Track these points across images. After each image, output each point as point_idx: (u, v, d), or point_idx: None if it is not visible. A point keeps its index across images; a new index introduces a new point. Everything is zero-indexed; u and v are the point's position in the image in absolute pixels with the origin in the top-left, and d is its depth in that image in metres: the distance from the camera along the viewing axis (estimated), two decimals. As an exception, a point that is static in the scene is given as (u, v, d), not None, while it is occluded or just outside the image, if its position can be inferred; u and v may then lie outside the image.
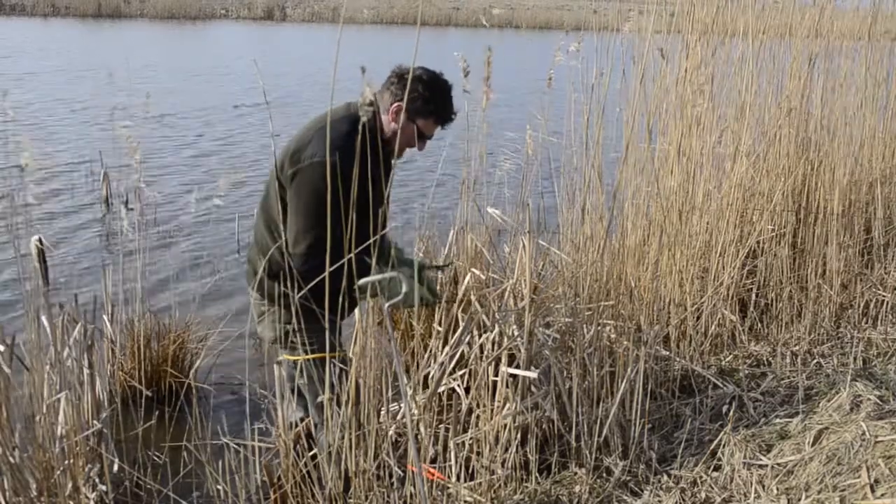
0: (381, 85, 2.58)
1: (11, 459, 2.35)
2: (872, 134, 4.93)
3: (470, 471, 2.63)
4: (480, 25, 32.08)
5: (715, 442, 2.81)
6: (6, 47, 17.96)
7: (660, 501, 2.60)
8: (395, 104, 2.56)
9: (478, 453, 2.64)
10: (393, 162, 2.66)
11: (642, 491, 2.66)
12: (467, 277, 3.29)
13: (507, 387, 2.67)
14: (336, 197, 2.24)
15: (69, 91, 12.77)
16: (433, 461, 2.61)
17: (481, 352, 2.73)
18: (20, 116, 10.29)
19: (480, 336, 2.77)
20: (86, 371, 2.71)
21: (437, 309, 3.12)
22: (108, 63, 15.05)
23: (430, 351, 2.74)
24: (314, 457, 2.40)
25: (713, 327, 3.75)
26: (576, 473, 2.76)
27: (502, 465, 2.62)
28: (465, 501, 2.55)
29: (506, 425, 2.62)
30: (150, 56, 17.77)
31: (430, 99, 2.56)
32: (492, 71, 2.41)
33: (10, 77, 13.58)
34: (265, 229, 2.67)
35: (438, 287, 2.79)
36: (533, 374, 2.70)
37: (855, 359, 3.53)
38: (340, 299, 2.28)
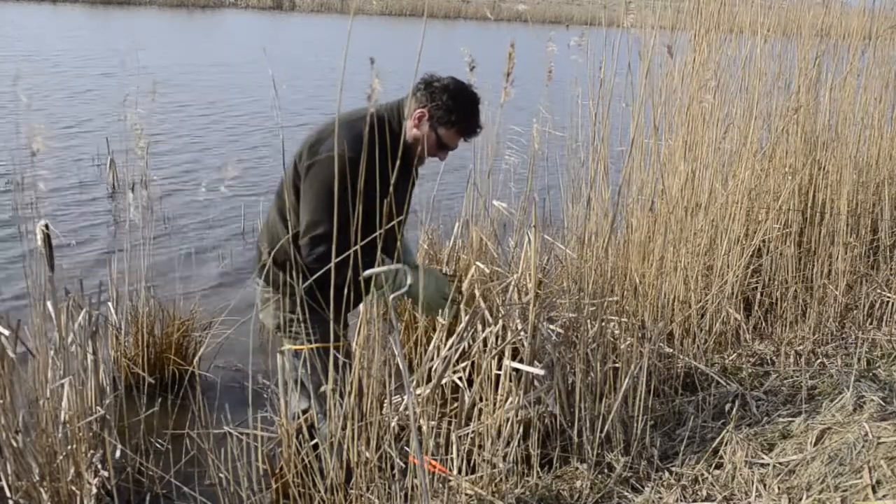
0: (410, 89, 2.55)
1: (14, 443, 2.36)
2: (880, 134, 4.91)
3: (471, 464, 2.64)
4: (489, 19, 31.97)
5: (717, 440, 2.81)
6: (17, 33, 17.97)
7: (661, 498, 2.60)
8: (419, 110, 2.54)
9: (480, 447, 2.64)
10: (415, 170, 2.65)
11: (643, 487, 2.66)
12: (472, 271, 3.29)
13: (510, 381, 2.67)
14: (348, 193, 2.21)
15: (80, 78, 12.78)
16: (435, 454, 2.61)
17: (485, 346, 2.73)
18: (31, 100, 10.30)
19: (484, 330, 2.77)
20: (90, 357, 2.72)
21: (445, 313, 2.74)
22: (119, 50, 15.05)
23: (434, 344, 2.74)
24: (316, 447, 2.41)
25: (717, 325, 3.75)
26: (577, 469, 2.76)
27: (504, 459, 2.62)
28: (467, 494, 2.56)
29: (508, 419, 2.62)
30: (161, 44, 17.76)
31: (453, 109, 2.53)
32: (513, 66, 2.38)
33: (23, 63, 13.58)
34: (278, 217, 2.67)
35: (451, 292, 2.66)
36: (539, 372, 2.70)
37: (859, 360, 3.52)
38: (346, 292, 2.28)
